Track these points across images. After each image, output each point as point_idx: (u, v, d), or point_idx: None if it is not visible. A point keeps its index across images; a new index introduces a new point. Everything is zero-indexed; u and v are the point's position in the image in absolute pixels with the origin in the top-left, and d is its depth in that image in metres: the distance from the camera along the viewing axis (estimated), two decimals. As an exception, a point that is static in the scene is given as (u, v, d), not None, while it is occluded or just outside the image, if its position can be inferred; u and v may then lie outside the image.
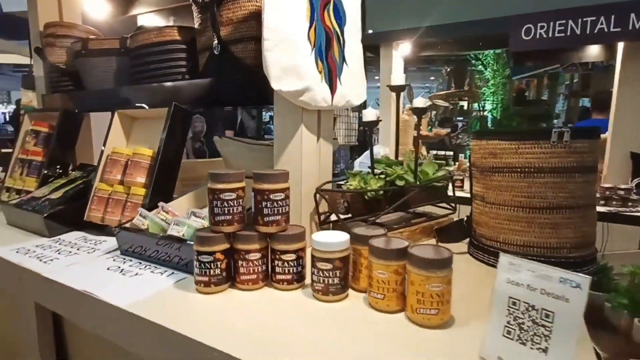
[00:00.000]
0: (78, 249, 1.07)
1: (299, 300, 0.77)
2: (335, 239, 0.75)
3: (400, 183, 1.08)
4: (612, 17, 2.12)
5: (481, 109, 8.39)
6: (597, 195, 2.18)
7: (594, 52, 2.80)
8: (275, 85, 0.91)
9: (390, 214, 1.23)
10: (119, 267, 0.93)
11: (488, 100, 8.47)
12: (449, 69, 11.92)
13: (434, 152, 2.98)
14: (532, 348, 0.52)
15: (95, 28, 1.78)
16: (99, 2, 2.19)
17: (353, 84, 1.14)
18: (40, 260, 0.99)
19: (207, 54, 1.17)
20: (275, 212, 0.79)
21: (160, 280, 0.85)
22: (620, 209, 2.08)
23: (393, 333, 0.65)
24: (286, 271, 0.80)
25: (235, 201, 0.79)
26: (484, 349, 0.57)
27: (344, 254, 0.75)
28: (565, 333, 0.49)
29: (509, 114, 7.88)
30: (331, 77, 1.06)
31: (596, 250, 0.95)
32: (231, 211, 0.78)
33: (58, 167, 1.48)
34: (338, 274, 0.74)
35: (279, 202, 0.79)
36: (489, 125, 7.96)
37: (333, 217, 1.09)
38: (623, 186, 2.16)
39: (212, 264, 0.77)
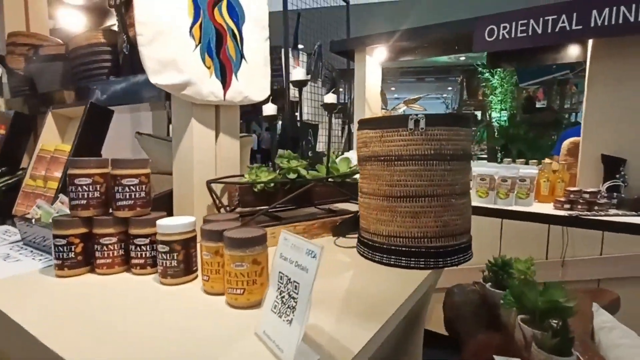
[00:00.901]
0: (-10, 238, 1.13)
1: (144, 284, 0.79)
2: (174, 222, 0.77)
3: (292, 176, 1.09)
4: (574, 14, 2.08)
5: (488, 117, 8.24)
6: (562, 198, 2.11)
7: (572, 52, 2.74)
8: (153, 78, 0.95)
9: (295, 210, 1.25)
10: (8, 254, 0.98)
11: (495, 108, 8.31)
12: (460, 78, 11.82)
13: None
14: (284, 321, 0.52)
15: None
16: (73, 15, 2.33)
17: (253, 81, 1.17)
18: (-52, 246, 1.05)
19: (123, 54, 1.24)
20: (128, 197, 0.82)
21: (31, 265, 0.89)
22: (584, 212, 2.00)
23: (208, 311, 0.66)
24: (139, 255, 0.82)
25: (91, 186, 0.82)
26: (259, 325, 0.57)
27: (182, 237, 0.77)
28: (302, 304, 0.50)
29: (515, 122, 7.70)
30: (224, 73, 1.09)
31: (468, 240, 0.93)
32: (86, 196, 0.82)
33: (4, 167, 1.57)
34: (176, 257, 0.76)
35: (132, 187, 0.82)
36: (496, 134, 7.80)
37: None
38: (589, 189, 2.08)
39: (65, 248, 0.81)
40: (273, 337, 0.53)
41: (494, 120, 8.31)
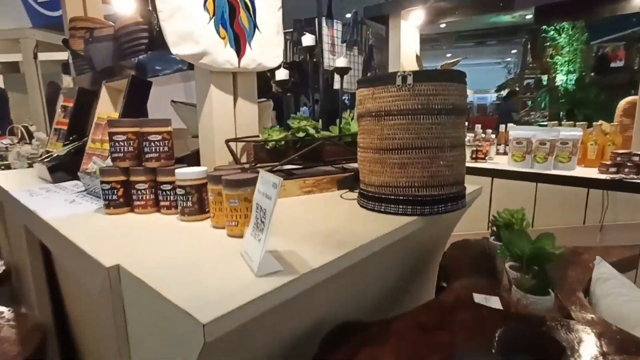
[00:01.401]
0: (62, 190, 1.39)
1: (168, 221, 0.96)
2: (189, 171, 0.92)
3: (300, 135, 1.19)
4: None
5: (552, 80, 7.53)
6: (608, 162, 1.98)
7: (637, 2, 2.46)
8: (173, 50, 1.09)
9: (310, 168, 1.35)
10: (73, 200, 1.21)
11: (561, 70, 7.55)
12: (523, 40, 10.81)
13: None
14: (256, 240, 0.64)
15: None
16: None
17: (266, 49, 1.26)
18: (31, 195, 1.32)
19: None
20: (154, 150, 0.99)
21: (89, 207, 1.11)
22: (629, 176, 1.86)
23: (209, 240, 0.80)
24: (165, 199, 0.99)
25: (126, 142, 1.00)
26: (242, 246, 0.70)
27: (195, 182, 0.91)
28: (266, 225, 0.61)
29: (584, 84, 6.95)
30: (238, 42, 1.20)
31: (460, 191, 0.97)
32: (123, 150, 1.00)
33: (74, 135, 1.85)
34: (191, 199, 0.91)
35: (157, 142, 0.98)
36: (560, 99, 7.12)
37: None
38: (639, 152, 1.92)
39: (110, 191, 1.00)
40: (249, 253, 0.65)
41: (558, 83, 7.59)
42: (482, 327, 0.75)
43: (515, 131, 2.22)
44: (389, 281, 1.02)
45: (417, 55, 2.91)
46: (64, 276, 1.29)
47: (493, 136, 2.69)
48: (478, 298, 0.87)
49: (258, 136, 1.27)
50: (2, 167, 2.73)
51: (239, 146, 1.30)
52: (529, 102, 9.29)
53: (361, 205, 1.03)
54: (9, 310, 1.38)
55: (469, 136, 2.60)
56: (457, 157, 0.96)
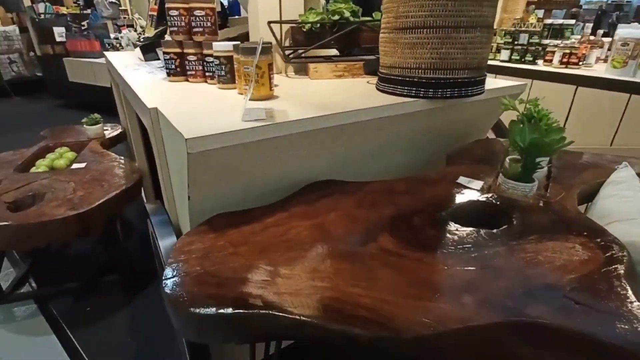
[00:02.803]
0: (148, 66, 1.69)
1: (209, 88, 1.16)
2: (222, 44, 1.06)
3: (335, 18, 1.22)
4: None
5: None
6: None
7: None
8: None
9: (349, 55, 1.38)
10: (152, 72, 1.49)
11: None
12: None
13: (551, 21, 2.43)
14: (247, 95, 0.78)
15: None
16: None
17: None
18: (126, 67, 1.65)
19: None
20: (200, 25, 1.14)
21: (160, 76, 1.36)
22: None
23: (230, 100, 0.98)
24: (210, 70, 1.18)
25: (178, 17, 1.17)
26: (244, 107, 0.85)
27: (227, 54, 1.06)
28: (251, 84, 0.74)
29: None
30: None
31: (473, 77, 0.95)
32: (177, 24, 1.18)
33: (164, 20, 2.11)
34: (224, 69, 1.08)
35: (201, 17, 1.13)
36: None
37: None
38: None
39: (169, 61, 1.22)
40: (245, 105, 0.80)
41: None
42: (447, 199, 0.83)
43: (623, 30, 1.83)
44: (388, 154, 1.10)
45: None
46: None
47: (604, 39, 2.25)
48: (463, 180, 0.92)
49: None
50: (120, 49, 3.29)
51: (284, 29, 1.38)
52: None
53: (377, 89, 1.08)
54: (121, 158, 1.85)
55: (574, 38, 2.21)
56: (474, 39, 0.92)
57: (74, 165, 1.79)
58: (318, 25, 1.24)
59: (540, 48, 2.18)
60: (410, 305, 0.53)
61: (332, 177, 0.95)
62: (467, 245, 0.67)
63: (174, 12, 1.16)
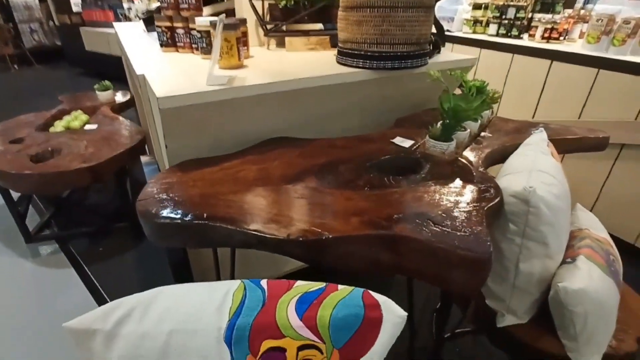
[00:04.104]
0: (150, 37, 1.87)
1: (194, 58, 1.34)
2: (203, 18, 1.23)
3: (306, -6, 1.36)
4: None
5: None
6: None
7: None
8: None
9: (323, 31, 1.53)
10: (152, 43, 1.67)
11: None
12: None
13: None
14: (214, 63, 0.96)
15: None
16: None
17: None
18: (131, 38, 1.83)
19: None
20: (185, 2, 1.31)
21: (157, 47, 1.54)
22: None
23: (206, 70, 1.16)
24: (194, 42, 1.35)
25: (169, -6, 1.33)
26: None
27: (205, 29, 1.23)
28: (214, 54, 0.92)
29: None
30: None
31: (413, 51, 1.10)
32: (167, 1, 1.35)
33: None
34: (204, 41, 1.25)
35: (186, -5, 1.30)
36: None
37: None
38: None
39: (161, 34, 1.40)
40: (210, 72, 0.99)
41: None
42: (377, 154, 1.00)
43: (601, 5, 1.88)
44: (345, 118, 1.27)
45: None
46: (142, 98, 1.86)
47: (586, 13, 2.28)
48: (397, 140, 1.09)
49: (278, -4, 1.47)
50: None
51: (266, 5, 1.53)
52: None
53: (337, 62, 1.24)
54: (128, 121, 2.08)
55: (566, 12, 2.26)
56: (411, 18, 1.06)
57: (87, 127, 2.02)
58: (292, 2, 1.39)
59: (526, 22, 2.24)
60: (310, 221, 0.72)
61: (293, 135, 1.14)
62: (374, 186, 0.85)
63: (164, -10, 1.33)
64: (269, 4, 1.43)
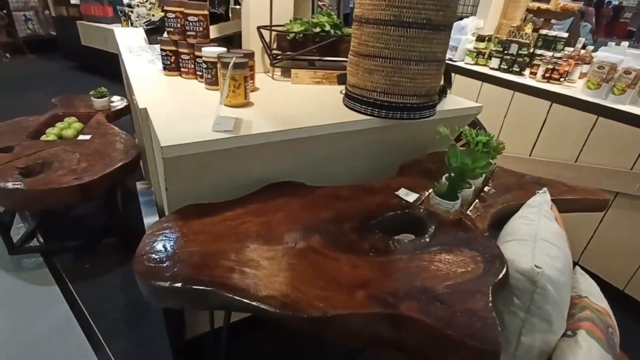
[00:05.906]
0: (151, 51, 1.82)
1: (198, 86, 1.31)
2: (209, 49, 1.20)
3: (316, 30, 1.35)
4: None
5: None
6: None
7: None
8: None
9: (329, 62, 1.51)
10: (152, 60, 1.63)
11: None
12: None
13: (545, 31, 2.48)
14: (222, 104, 0.94)
15: None
16: None
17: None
18: (130, 52, 1.78)
19: None
20: (192, 29, 1.28)
21: (159, 68, 1.51)
22: None
23: (211, 105, 1.13)
24: (200, 70, 1.32)
25: (175, 20, 1.30)
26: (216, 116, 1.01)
27: (211, 59, 1.20)
28: (222, 97, 0.89)
29: None
30: None
31: (421, 103, 1.09)
32: (173, 25, 1.31)
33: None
34: (210, 72, 1.22)
35: (194, 22, 1.27)
36: None
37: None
38: None
39: (165, 57, 1.36)
40: (217, 113, 0.96)
41: None
42: (381, 209, 0.99)
43: (602, 53, 1.91)
44: (348, 161, 1.25)
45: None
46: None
47: (586, 54, 2.31)
48: (402, 192, 1.07)
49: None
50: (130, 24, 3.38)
51: (274, 33, 1.50)
52: None
53: (343, 104, 1.22)
54: (123, 133, 2.02)
55: (567, 50, 2.29)
56: (422, 71, 1.05)
57: (80, 137, 1.97)
58: (301, 34, 1.37)
59: (528, 60, 2.26)
60: (314, 294, 0.70)
61: (294, 178, 1.11)
62: (379, 251, 0.84)
63: (171, 15, 1.30)
64: (277, 34, 1.40)
